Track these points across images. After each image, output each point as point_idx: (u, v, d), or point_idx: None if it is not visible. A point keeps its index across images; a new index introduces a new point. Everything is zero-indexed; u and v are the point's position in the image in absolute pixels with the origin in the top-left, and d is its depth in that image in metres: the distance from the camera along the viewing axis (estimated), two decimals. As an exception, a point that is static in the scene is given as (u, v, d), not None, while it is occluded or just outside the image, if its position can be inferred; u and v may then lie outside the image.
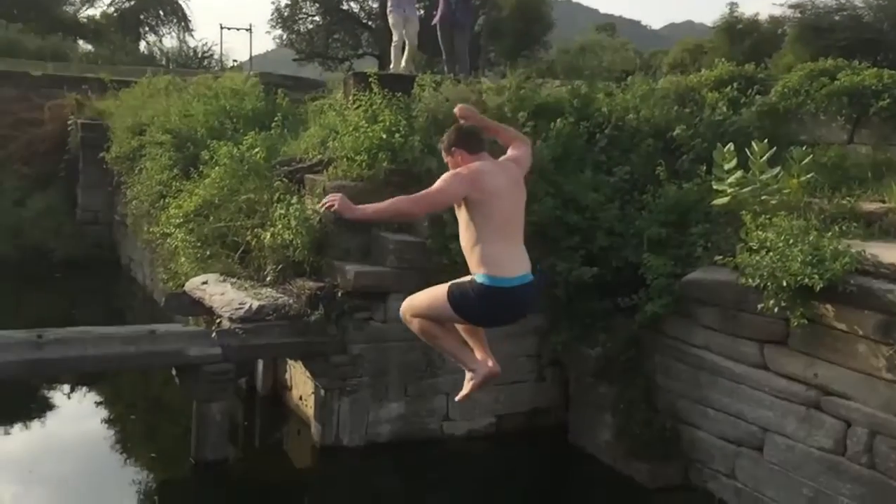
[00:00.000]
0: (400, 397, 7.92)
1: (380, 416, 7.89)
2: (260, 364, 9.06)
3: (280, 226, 8.13)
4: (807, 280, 5.87)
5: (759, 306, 6.33)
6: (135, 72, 21.02)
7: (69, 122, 17.71)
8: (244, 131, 10.43)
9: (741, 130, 8.54)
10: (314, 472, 7.97)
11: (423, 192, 4.13)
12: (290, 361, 8.74)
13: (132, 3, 45.12)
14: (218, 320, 7.91)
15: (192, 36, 60.96)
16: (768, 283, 6.18)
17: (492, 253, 4.06)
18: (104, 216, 16.90)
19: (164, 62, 37.19)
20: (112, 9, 45.29)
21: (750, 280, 6.34)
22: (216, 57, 42.46)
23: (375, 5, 36.51)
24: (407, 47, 11.61)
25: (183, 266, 9.14)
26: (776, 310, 6.21)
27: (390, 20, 11.97)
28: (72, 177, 17.32)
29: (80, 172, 17.07)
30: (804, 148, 7.50)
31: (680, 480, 7.26)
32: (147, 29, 46.66)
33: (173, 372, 7.77)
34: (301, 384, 8.57)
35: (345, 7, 39.08)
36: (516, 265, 4.12)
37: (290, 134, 10.05)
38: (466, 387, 4.45)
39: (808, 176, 7.14)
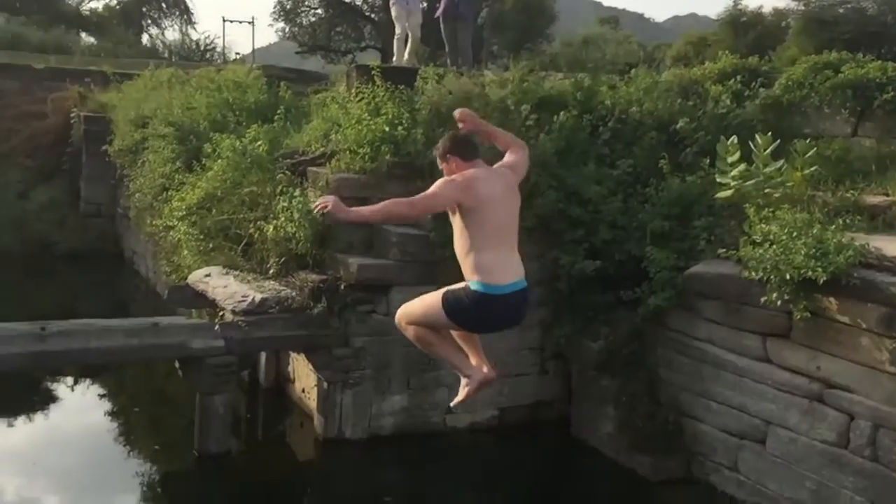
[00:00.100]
0: (402, 390, 7.93)
1: (382, 408, 7.90)
2: (263, 357, 9.08)
3: (283, 218, 8.13)
4: (810, 273, 5.87)
5: (763, 299, 6.33)
6: (137, 64, 21.04)
7: (72, 115, 17.73)
8: (247, 124, 10.44)
9: (745, 123, 8.52)
10: (317, 464, 7.99)
11: (418, 195, 4.16)
12: (292, 354, 8.75)
13: (134, -5, 45.11)
14: (221, 313, 7.92)
15: (194, 29, 61.01)
16: (771, 277, 6.17)
17: (485, 260, 4.09)
18: (107, 209, 16.91)
19: (166, 55, 37.21)
20: (114, 1, 45.31)
21: (753, 273, 6.33)
22: (219, 50, 42.51)
23: (378, -2, 36.47)
24: (410, 40, 11.59)
25: (186, 259, 9.15)
26: (779, 303, 6.21)
27: (393, 13, 11.95)
28: (75, 170, 17.34)
29: (83, 165, 17.08)
30: (808, 141, 7.49)
31: (682, 473, 7.27)
32: (149, 22, 46.71)
33: (176, 364, 7.78)
34: (304, 377, 8.59)
35: (347, 0, 39.03)
36: (510, 272, 4.15)
37: (293, 127, 10.04)
38: (462, 392, 4.50)
39: (812, 169, 7.13)
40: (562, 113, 8.40)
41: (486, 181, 4.15)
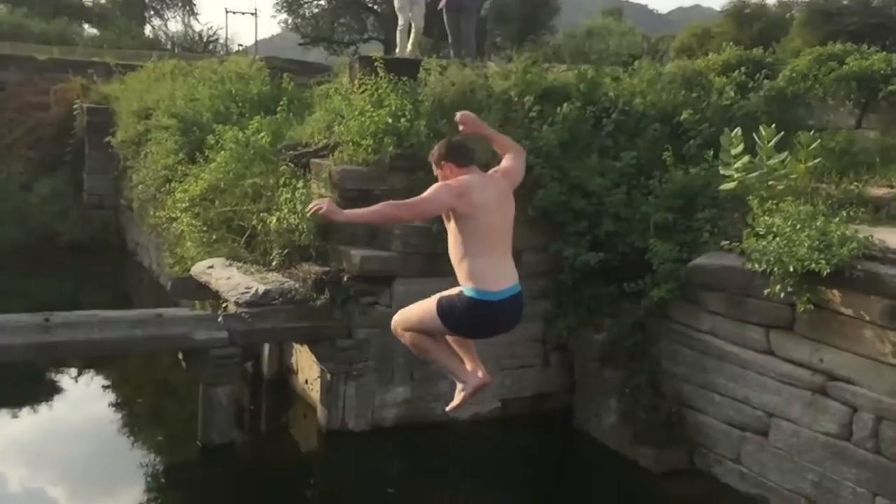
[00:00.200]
0: (406, 381, 7.94)
1: (385, 400, 7.91)
2: (266, 348, 9.09)
3: (286, 210, 8.13)
4: (814, 265, 5.86)
5: (766, 291, 6.33)
6: (140, 56, 21.03)
7: (75, 107, 17.73)
8: (250, 116, 10.42)
9: (749, 115, 8.51)
10: (320, 455, 8.01)
11: (412, 199, 4.17)
12: (295, 346, 8.76)
13: (137, -14, 45.02)
14: (224, 304, 7.93)
15: (197, 20, 60.99)
16: (775, 269, 6.16)
17: (479, 267, 4.11)
18: (110, 200, 16.92)
19: (169, 46, 37.18)
20: (117, -8, 45.18)
21: (756, 265, 6.33)
22: (221, 41, 42.46)
23: (381, -11, 36.36)
24: (413, 31, 11.55)
25: (189, 250, 9.16)
26: (782, 295, 6.20)
27: (396, 4, 11.90)
28: (77, 161, 17.35)
29: (85, 157, 17.09)
30: (812, 133, 7.46)
31: (685, 465, 7.28)
32: (152, 13, 46.63)
33: (180, 356, 7.80)
34: (307, 368, 8.60)
35: (350, -9, 38.93)
36: (503, 278, 4.17)
37: (296, 118, 10.03)
38: (458, 398, 4.52)
39: (816, 161, 7.11)
40: (565, 105, 8.39)
41: (480, 188, 4.17)
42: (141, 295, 13.47)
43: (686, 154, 8.23)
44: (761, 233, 6.50)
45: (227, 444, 7.56)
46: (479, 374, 4.45)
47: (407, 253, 7.68)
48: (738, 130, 7.49)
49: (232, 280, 7.94)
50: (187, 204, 9.36)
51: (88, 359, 9.40)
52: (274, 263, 8.28)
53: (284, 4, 38.83)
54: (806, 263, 5.91)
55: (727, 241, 6.81)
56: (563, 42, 33.69)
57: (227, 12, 52.64)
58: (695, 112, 8.56)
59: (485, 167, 4.46)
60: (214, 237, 8.97)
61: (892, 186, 6.98)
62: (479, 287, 4.09)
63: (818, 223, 6.21)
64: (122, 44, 30.34)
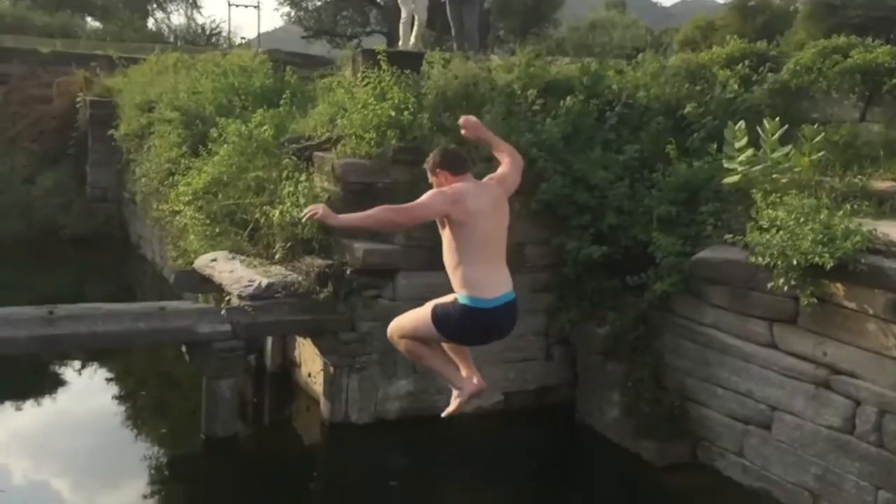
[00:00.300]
0: (409, 374, 7.94)
1: (388, 393, 7.92)
2: (269, 341, 9.10)
3: (289, 203, 8.13)
4: (817, 259, 5.85)
5: (769, 285, 6.32)
6: (143, 49, 20.99)
7: (78, 100, 17.71)
8: (253, 109, 10.41)
9: (752, 108, 8.48)
10: (323, 448, 8.03)
11: (407, 204, 4.22)
12: (299, 339, 8.77)
13: (140, -21, 44.96)
14: (227, 297, 7.93)
15: (199, 13, 60.92)
16: (778, 262, 6.16)
17: (474, 274, 4.14)
18: (113, 193, 16.93)
19: (172, 39, 37.16)
20: (120, -15, 45.12)
21: (760, 259, 6.32)
22: (224, 34, 42.42)
23: (384, -18, 36.28)
24: (416, 24, 11.52)
25: (192, 243, 9.16)
26: (786, 288, 6.20)
27: (399, -4, 11.88)
28: (81, 154, 17.34)
29: (88, 150, 17.08)
30: (816, 126, 7.45)
31: (688, 458, 7.28)
32: (155, 6, 46.57)
33: (183, 349, 7.81)
34: (310, 361, 8.61)
35: (353, -16, 38.86)
36: (497, 286, 4.19)
37: (299, 111, 10.01)
38: (453, 404, 4.55)
39: (820, 154, 7.10)
40: (568, 98, 8.37)
41: (474, 195, 4.19)
42: (144, 288, 13.48)
43: (689, 147, 8.21)
44: (765, 226, 6.49)
45: (231, 437, 7.58)
46: (475, 380, 4.50)
47: (410, 246, 7.68)
48: (741, 123, 7.47)
49: (235, 273, 7.95)
50: (190, 197, 9.36)
51: (92, 351, 9.41)
52: (277, 256, 8.28)
53: (287, -3, 38.76)
54: (809, 257, 5.90)
55: (731, 235, 6.80)
56: (566, 35, 33.64)
57: (229, 5, 52.45)
58: (698, 105, 8.54)
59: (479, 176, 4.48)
60: (217, 230, 8.96)
61: (895, 180, 6.96)
62: (473, 294, 4.12)
63: (822, 216, 6.20)
64: (125, 37, 30.31)
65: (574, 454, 7.87)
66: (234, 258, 8.37)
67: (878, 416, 5.87)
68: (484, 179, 4.40)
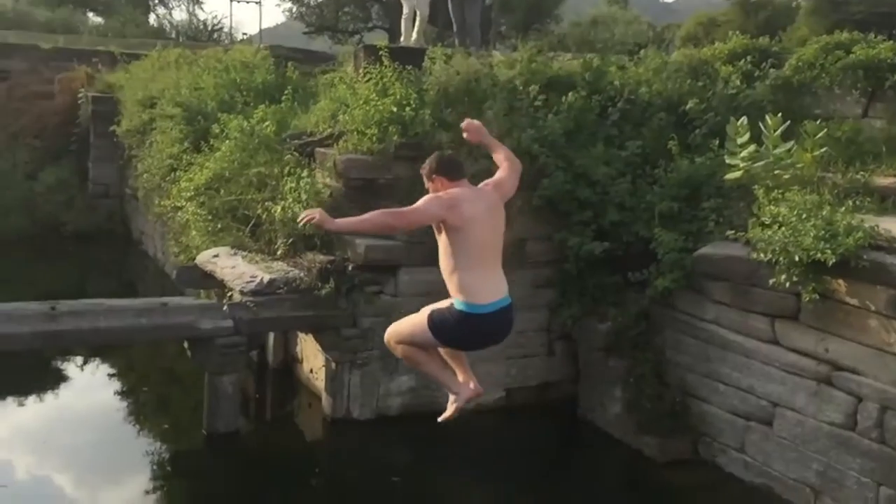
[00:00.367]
0: (410, 371, 7.87)
1: (390, 389, 7.93)
2: (271, 337, 9.11)
3: (291, 199, 8.13)
4: (819, 255, 5.85)
5: (771, 281, 6.32)
6: (145, 45, 20.97)
7: (80, 96, 17.71)
8: (254, 105, 10.42)
9: (755, 104, 8.48)
10: (324, 444, 8.04)
11: (403, 208, 4.25)
12: (300, 334, 8.77)
13: (142, -25, 44.88)
14: (229, 293, 7.95)
15: (201, 9, 60.84)
16: (780, 258, 6.16)
17: (469, 280, 4.16)
18: (115, 189, 16.92)
19: (173, 35, 37.07)
20: (122, -19, 45.06)
21: (762, 255, 6.32)
22: (226, 30, 42.30)
23: (385, -22, 36.20)
24: (418, 20, 11.52)
25: (194, 239, 9.16)
26: (788, 285, 6.20)
27: (401, -8, 11.87)
28: (82, 150, 17.34)
29: (90, 146, 17.07)
30: (818, 122, 7.44)
31: (689, 454, 7.29)
32: (156, 1, 46.47)
33: (185, 344, 7.81)
34: (312, 357, 8.61)
35: (354, -21, 38.77)
36: (493, 291, 4.22)
37: (301, 107, 10.02)
38: (450, 408, 4.61)
39: (822, 150, 7.09)
40: (570, 94, 8.37)
41: (470, 201, 4.22)
42: (146, 284, 13.48)
43: (692, 143, 8.21)
44: (767, 222, 6.49)
45: (233, 433, 7.59)
46: (471, 385, 4.54)
47: (412, 242, 7.67)
48: (743, 119, 7.47)
49: (237, 269, 7.95)
50: (192, 193, 9.36)
51: (94, 347, 9.42)
52: (279, 252, 8.28)
53: (289, -7, 38.68)
54: (811, 253, 5.90)
55: (732, 231, 6.80)
56: (568, 31, 33.57)
57: (231, 1, 52.58)
58: (700, 101, 8.53)
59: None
60: (219, 226, 8.97)
61: (898, 176, 6.96)
62: (469, 300, 4.15)
63: (824, 213, 6.20)
64: (126, 32, 30.27)
65: (575, 450, 7.87)
66: (235, 254, 8.38)
67: (880, 412, 5.87)
68: (480, 185, 4.43)
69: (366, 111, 8.19)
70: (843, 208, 6.29)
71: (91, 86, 17.66)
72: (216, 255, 8.39)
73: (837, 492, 6.16)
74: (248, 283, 7.64)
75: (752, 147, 7.24)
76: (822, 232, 5.97)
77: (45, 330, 6.99)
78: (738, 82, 8.82)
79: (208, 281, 8.42)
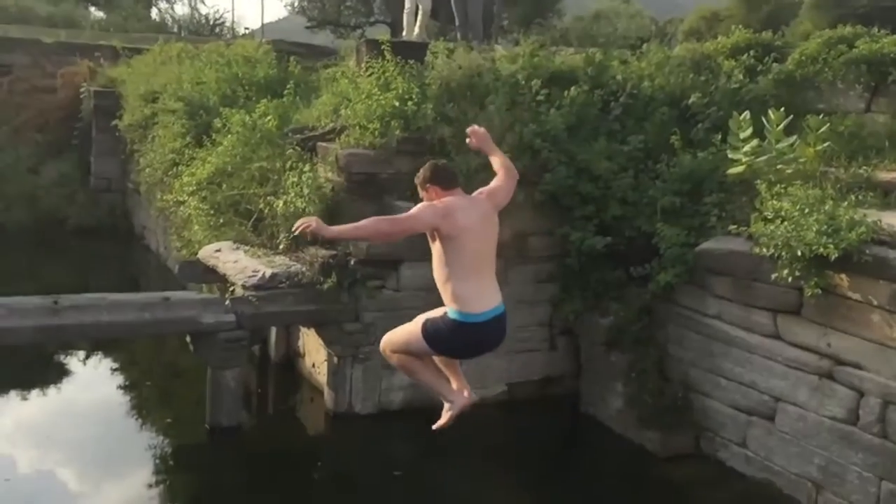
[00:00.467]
0: (412, 365, 7.94)
1: (392, 383, 7.93)
2: (273, 331, 9.12)
3: (293, 194, 8.13)
4: (822, 249, 5.85)
5: (773, 276, 6.31)
6: (146, 39, 20.92)
7: (82, 90, 17.68)
8: (256, 99, 10.41)
9: (757, 99, 8.46)
10: (327, 438, 8.05)
11: (398, 216, 4.36)
12: (303, 329, 8.78)
13: (143, -31, 44.80)
14: (231, 288, 7.95)
15: (203, 3, 60.77)
16: (783, 253, 6.15)
17: (463, 289, 4.20)
18: (117, 184, 16.91)
19: (175, 29, 37.02)
20: (123, -25, 45.00)
21: (764, 250, 6.32)
22: (228, 24, 42.22)
23: (388, -28, 36.12)
24: (420, 14, 11.51)
25: (196, 234, 9.16)
26: (790, 279, 6.19)
27: (403, -13, 11.86)
28: (85, 144, 17.33)
29: (93, 140, 17.06)
30: (821, 116, 7.43)
31: (691, 449, 7.30)
32: (159, -4, 46.39)
33: (187, 339, 7.82)
34: (314, 351, 8.62)
35: (357, -26, 38.68)
36: (487, 300, 4.26)
37: (303, 102, 10.01)
38: (444, 417, 4.67)
39: (825, 145, 7.08)
40: (573, 88, 8.36)
41: (464, 210, 4.25)
42: (148, 278, 13.49)
43: (694, 138, 8.20)
44: (769, 217, 6.48)
45: (235, 427, 7.60)
46: (465, 393, 4.60)
47: (414, 237, 7.66)
48: (746, 114, 7.46)
49: (239, 263, 7.96)
50: (194, 187, 9.37)
51: (97, 341, 9.43)
52: (281, 247, 8.29)
53: (291, -13, 38.61)
54: (814, 248, 5.90)
55: (735, 226, 6.80)
56: (570, 25, 33.49)
57: (233, -5, 52.60)
58: (703, 95, 8.52)
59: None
60: (221, 221, 8.97)
61: (901, 170, 6.94)
62: (463, 309, 4.19)
63: (826, 207, 6.19)
64: (128, 27, 30.20)
65: (577, 445, 7.88)
66: (238, 248, 8.38)
67: (882, 407, 5.87)
68: (474, 193, 4.47)
69: (368, 105, 8.19)
70: (846, 203, 6.29)
71: (93, 80, 17.64)
72: (218, 250, 8.40)
73: (839, 487, 6.17)
74: (250, 277, 7.65)
75: (754, 142, 7.23)
76: (825, 227, 5.96)
77: (48, 324, 7.00)
78: (740, 77, 8.81)
79: (210, 275, 8.42)
